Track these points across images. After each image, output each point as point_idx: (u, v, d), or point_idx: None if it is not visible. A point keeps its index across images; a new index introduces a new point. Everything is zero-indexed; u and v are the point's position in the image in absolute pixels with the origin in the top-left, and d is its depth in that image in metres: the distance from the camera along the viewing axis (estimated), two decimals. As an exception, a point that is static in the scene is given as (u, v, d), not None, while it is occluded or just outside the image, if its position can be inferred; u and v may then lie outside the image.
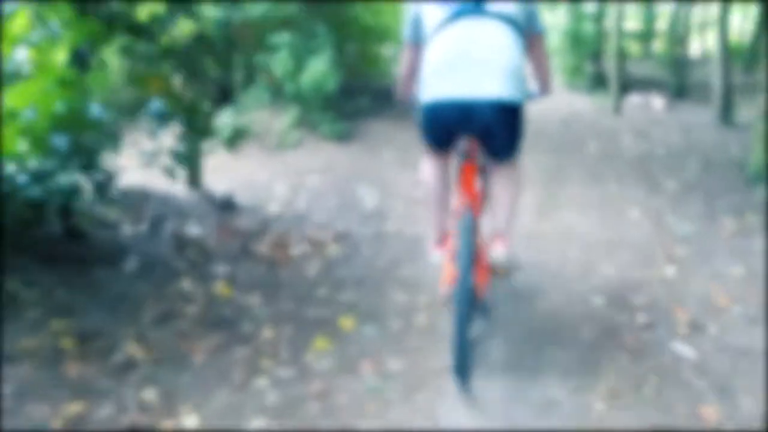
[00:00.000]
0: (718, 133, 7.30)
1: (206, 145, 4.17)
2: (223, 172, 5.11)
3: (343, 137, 6.07)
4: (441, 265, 2.46)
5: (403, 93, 2.61)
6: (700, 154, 6.03)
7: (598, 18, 11.14)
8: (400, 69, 2.58)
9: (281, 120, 6.11)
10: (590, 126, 7.61)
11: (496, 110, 2.11)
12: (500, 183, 2.32)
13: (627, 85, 10.65)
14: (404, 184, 4.80)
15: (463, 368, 2.07)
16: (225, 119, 5.92)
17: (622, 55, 8.38)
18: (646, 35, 16.41)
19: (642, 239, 3.69)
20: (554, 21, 14.42)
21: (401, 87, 2.59)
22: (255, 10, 6.31)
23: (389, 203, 4.31)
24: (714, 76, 8.04)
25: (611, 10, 9.53)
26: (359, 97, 7.28)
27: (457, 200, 2.38)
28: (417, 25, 2.33)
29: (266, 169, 5.15)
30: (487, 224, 2.46)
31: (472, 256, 2.12)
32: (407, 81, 2.51)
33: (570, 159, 5.76)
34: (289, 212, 4.06)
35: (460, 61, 2.13)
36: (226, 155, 5.58)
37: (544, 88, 2.58)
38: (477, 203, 2.35)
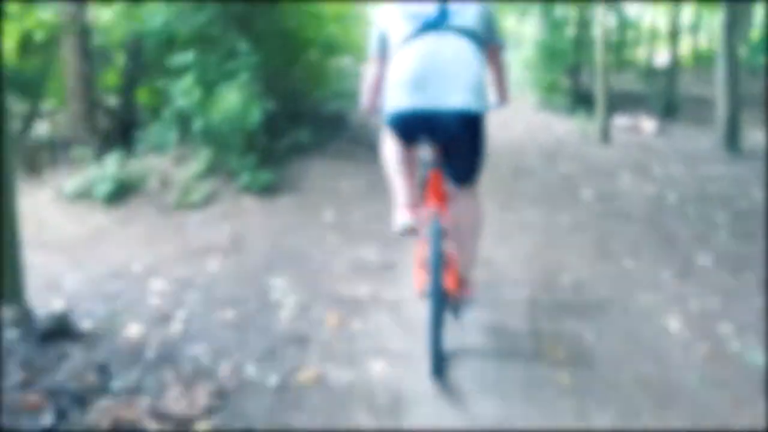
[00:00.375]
0: (729, 165, 6.12)
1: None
2: (89, 251, 3.66)
3: (268, 189, 4.66)
4: (411, 228, 2.41)
5: (368, 105, 2.67)
6: (721, 200, 4.80)
7: (578, 26, 9.99)
8: (365, 82, 2.64)
9: (188, 167, 4.67)
10: (578, 159, 6.34)
11: (459, 120, 2.23)
12: (462, 217, 2.43)
13: (609, 104, 9.50)
14: (344, 270, 3.41)
15: (439, 366, 2.21)
16: (108, 169, 4.46)
17: (609, 70, 7.17)
18: (621, 44, 15.40)
19: (701, 381, 2.37)
20: (527, 31, 13.26)
21: (367, 99, 2.65)
22: (153, 22, 4.88)
23: (316, 312, 2.90)
24: (717, 93, 6.88)
25: (595, 16, 8.38)
26: (298, 128, 5.88)
27: (425, 207, 2.46)
28: (383, 39, 2.43)
29: (151, 247, 3.70)
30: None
31: (441, 260, 2.24)
32: (373, 93, 2.60)
33: (563, 215, 4.45)
34: (157, 339, 2.63)
35: (426, 74, 2.21)
36: (105, 220, 4.13)
37: (503, 98, 2.73)
38: (445, 210, 2.43)
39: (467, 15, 2.31)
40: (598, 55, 7.12)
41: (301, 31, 6.50)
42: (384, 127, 2.42)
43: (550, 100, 9.22)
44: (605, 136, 7.12)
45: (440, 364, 2.22)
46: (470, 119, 2.24)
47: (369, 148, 6.35)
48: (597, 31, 7.20)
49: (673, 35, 9.58)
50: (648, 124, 8.14)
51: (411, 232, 2.41)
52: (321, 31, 6.70)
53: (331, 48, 7.00)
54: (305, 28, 6.54)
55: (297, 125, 5.99)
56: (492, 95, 2.61)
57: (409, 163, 2.47)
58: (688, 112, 9.54)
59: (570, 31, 10.25)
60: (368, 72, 2.59)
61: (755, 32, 16.55)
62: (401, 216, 2.43)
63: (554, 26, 9.79)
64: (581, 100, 9.14)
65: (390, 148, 2.48)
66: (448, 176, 2.44)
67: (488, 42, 2.41)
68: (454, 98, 2.19)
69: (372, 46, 2.50)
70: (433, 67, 2.21)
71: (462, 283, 2.53)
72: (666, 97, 9.32)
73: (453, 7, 2.30)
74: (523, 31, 19.25)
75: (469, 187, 2.43)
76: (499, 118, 9.19)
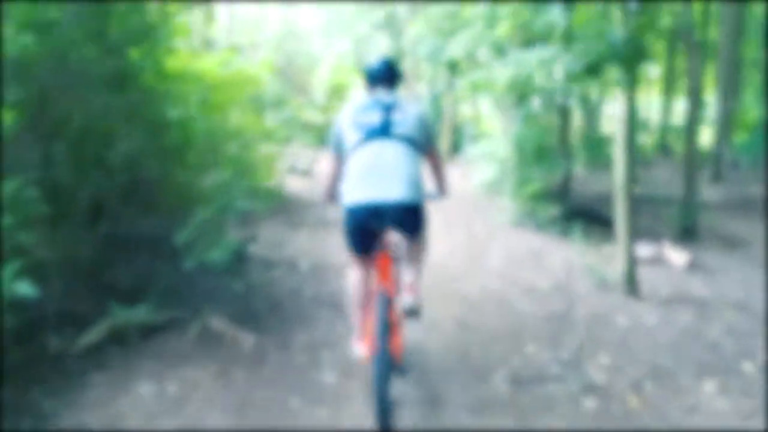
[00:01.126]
0: None
1: None
2: None
3: None
4: (361, 358, 2.82)
5: (326, 195, 3.11)
6: None
7: (560, 116, 7.89)
8: (323, 175, 3.50)
9: None
10: (607, 337, 3.89)
11: (400, 210, 2.68)
12: (410, 249, 2.86)
13: (595, 217, 7.25)
14: None
15: (385, 421, 2.48)
16: None
17: (633, 180, 4.84)
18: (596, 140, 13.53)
19: None
20: (486, 120, 11.33)
21: (325, 190, 3.10)
22: None
23: None
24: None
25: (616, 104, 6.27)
26: (133, 302, 3.32)
27: (375, 284, 2.85)
28: (339, 139, 2.89)
29: None
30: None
31: (387, 327, 2.62)
32: (331, 185, 3.05)
33: None
34: None
35: (373, 174, 2.69)
36: None
37: (442, 191, 3.18)
38: (392, 287, 2.87)
39: (407, 125, 2.80)
40: (619, 160, 4.82)
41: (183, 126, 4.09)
42: (342, 220, 2.79)
43: (534, 214, 6.89)
44: (632, 284, 4.74)
45: (386, 417, 2.48)
46: (409, 208, 2.71)
47: (267, 317, 3.80)
48: (617, 127, 4.92)
49: (692, 124, 7.53)
50: (676, 256, 5.85)
51: (363, 361, 2.82)
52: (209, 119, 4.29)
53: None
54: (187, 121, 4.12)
55: (136, 295, 3.41)
56: (434, 189, 3.14)
57: (367, 289, 2.84)
58: (702, 227, 7.39)
59: (549, 122, 8.20)
60: (326, 166, 3.11)
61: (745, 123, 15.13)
62: (357, 348, 2.88)
63: (529, 118, 7.63)
64: (574, 213, 6.88)
65: (352, 280, 2.87)
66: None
67: (426, 146, 2.92)
68: (395, 192, 2.65)
69: (331, 143, 2.97)
70: (378, 168, 2.69)
71: (409, 287, 2.81)
72: (684, 212, 7.15)
73: (395, 118, 2.79)
74: (479, 118, 17.38)
75: (418, 237, 2.84)
76: (469, 240, 6.70)
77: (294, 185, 8.29)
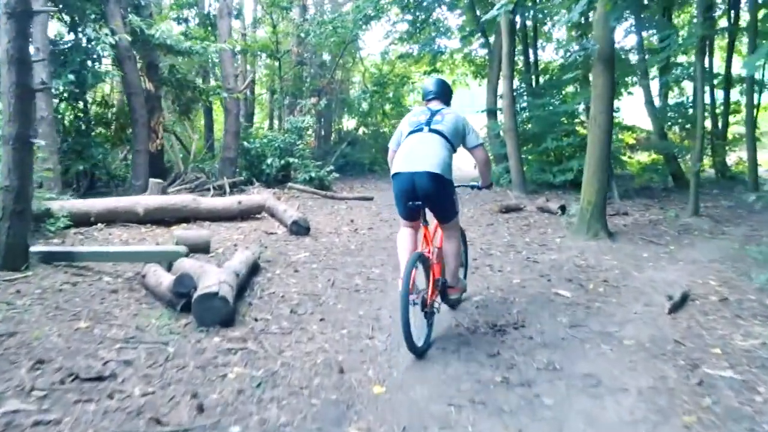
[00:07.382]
0: None
1: None
2: None
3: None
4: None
5: (390, 167, 4.17)
6: None
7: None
8: (390, 156, 4.29)
9: None
10: None
11: (428, 178, 3.81)
12: (446, 243, 4.12)
13: None
14: None
15: (412, 346, 3.59)
16: None
17: None
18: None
19: None
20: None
21: (390, 163, 4.21)
22: None
23: None
24: None
25: None
26: None
27: (420, 247, 4.08)
28: (399, 135, 4.22)
29: None
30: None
31: (410, 277, 3.58)
32: (392, 162, 4.17)
33: None
34: None
35: (411, 153, 3.92)
36: None
37: (484, 183, 4.53)
38: (429, 248, 4.11)
39: (442, 123, 4.03)
40: None
41: None
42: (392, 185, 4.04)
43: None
44: None
45: (413, 346, 3.60)
46: (436, 178, 3.81)
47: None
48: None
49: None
50: None
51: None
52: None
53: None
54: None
55: None
56: (477, 182, 4.60)
57: (412, 244, 4.04)
58: None
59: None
60: (390, 153, 4.28)
61: None
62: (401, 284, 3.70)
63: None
64: None
65: (400, 236, 4.09)
66: (436, 218, 4.14)
67: (466, 144, 4.15)
68: (425, 166, 3.81)
69: (393, 141, 4.28)
70: (415, 150, 3.92)
71: (449, 287, 4.23)
72: None
73: (435, 118, 4.06)
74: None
75: (448, 223, 4.10)
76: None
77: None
